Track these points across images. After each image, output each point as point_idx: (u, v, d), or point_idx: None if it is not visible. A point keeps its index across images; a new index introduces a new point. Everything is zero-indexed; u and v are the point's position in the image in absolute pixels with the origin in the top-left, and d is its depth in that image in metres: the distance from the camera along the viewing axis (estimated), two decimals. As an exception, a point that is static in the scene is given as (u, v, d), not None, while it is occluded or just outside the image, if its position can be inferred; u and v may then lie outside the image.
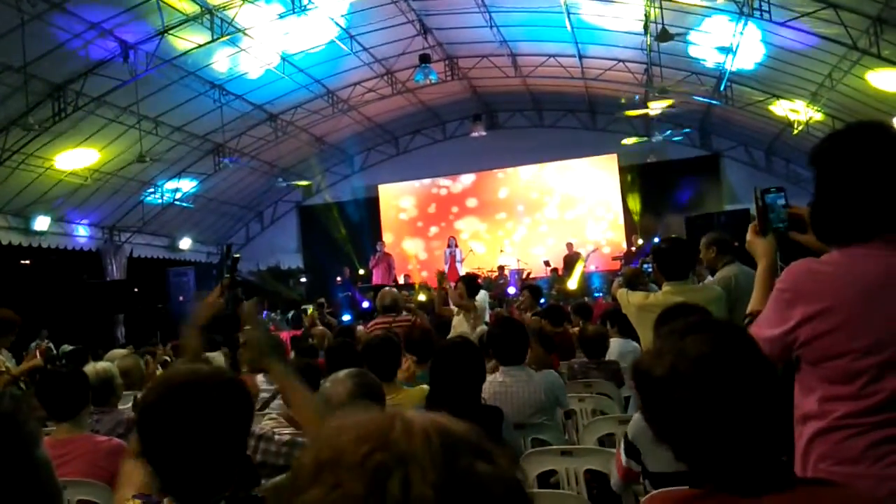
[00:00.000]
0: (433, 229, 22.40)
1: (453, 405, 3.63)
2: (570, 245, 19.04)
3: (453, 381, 3.69)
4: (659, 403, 1.48)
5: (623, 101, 17.01)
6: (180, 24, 12.79)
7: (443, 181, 22.56)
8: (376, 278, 18.61)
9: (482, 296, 8.19)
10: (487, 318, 8.04)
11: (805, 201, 2.16)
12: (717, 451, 1.43)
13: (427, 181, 22.63)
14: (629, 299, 4.54)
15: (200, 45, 13.40)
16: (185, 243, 21.22)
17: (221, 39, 13.35)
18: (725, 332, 1.51)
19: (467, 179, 22.36)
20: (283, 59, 15.47)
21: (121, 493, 2.01)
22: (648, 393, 1.50)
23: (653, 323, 3.81)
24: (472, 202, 22.30)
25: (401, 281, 19.22)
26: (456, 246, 19.26)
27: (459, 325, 7.66)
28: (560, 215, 21.47)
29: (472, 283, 8.58)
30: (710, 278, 4.79)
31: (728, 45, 14.01)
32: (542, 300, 14.53)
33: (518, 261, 19.54)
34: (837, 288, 1.94)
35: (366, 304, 16.43)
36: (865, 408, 1.88)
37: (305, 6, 12.99)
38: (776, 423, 1.46)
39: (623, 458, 3.30)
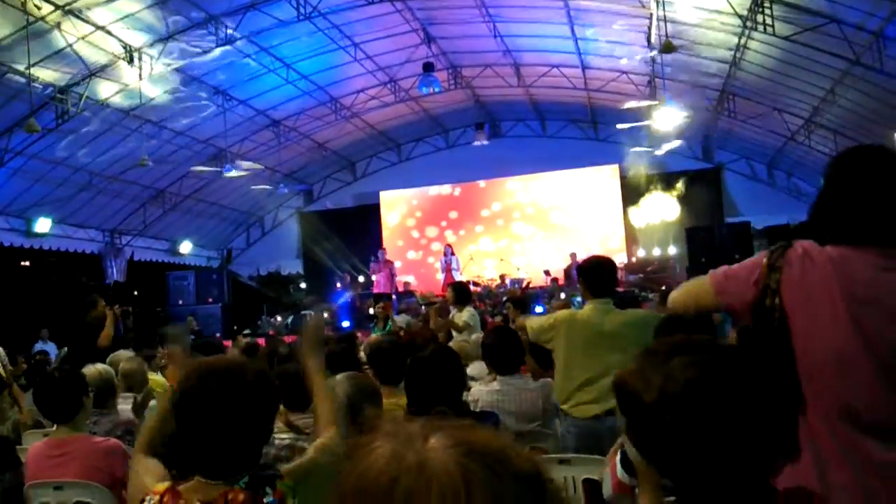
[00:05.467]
0: (434, 237, 22.37)
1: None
2: (573, 255, 19.00)
3: (430, 391, 3.58)
4: (647, 426, 1.47)
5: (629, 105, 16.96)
6: (185, 30, 12.85)
7: (444, 189, 22.57)
8: (377, 286, 18.59)
9: (469, 314, 8.14)
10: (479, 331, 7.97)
11: (806, 215, 2.20)
12: (706, 471, 1.42)
13: (429, 189, 22.63)
14: (556, 316, 4.68)
15: (205, 51, 13.44)
16: (186, 247, 21.25)
17: (226, 47, 13.41)
18: (713, 353, 1.49)
19: (469, 188, 22.36)
20: (287, 65, 15.52)
21: (143, 482, 2.10)
22: (635, 415, 1.49)
23: (585, 338, 4.34)
24: (473, 211, 22.30)
25: (401, 289, 19.22)
26: (452, 254, 19.18)
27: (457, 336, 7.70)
28: (561, 225, 21.45)
29: (459, 290, 8.58)
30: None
31: (731, 58, 14.04)
32: (543, 311, 14.51)
33: (518, 269, 19.53)
34: (818, 280, 1.96)
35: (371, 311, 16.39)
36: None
37: (311, 13, 13.04)
38: (766, 440, 1.45)
39: (619, 469, 3.28)
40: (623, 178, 20.71)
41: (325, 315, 16.58)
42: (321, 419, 2.46)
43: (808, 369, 1.92)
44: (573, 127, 21.51)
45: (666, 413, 1.41)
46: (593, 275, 4.61)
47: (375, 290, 18.06)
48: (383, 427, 0.90)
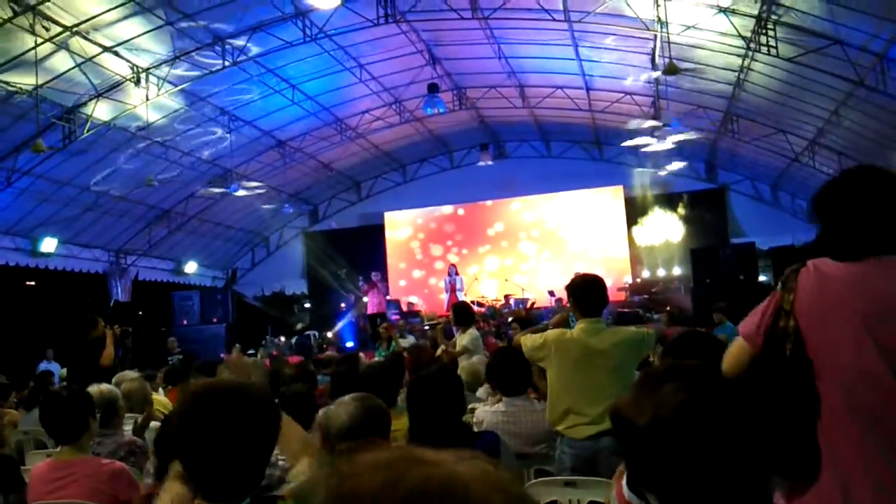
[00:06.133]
0: (438, 256, 22.37)
1: (436, 436, 3.58)
2: (578, 275, 18.92)
3: (431, 412, 3.55)
4: (641, 452, 1.47)
5: (633, 126, 16.98)
6: (192, 52, 12.92)
7: (449, 210, 22.59)
8: (371, 306, 18.62)
9: (469, 338, 8.00)
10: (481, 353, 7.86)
11: (811, 235, 2.20)
12: (701, 494, 1.42)
13: (433, 209, 22.65)
14: (547, 336, 4.58)
15: (211, 72, 13.52)
16: (191, 267, 21.26)
17: (232, 68, 13.49)
18: (704, 377, 1.51)
19: (474, 208, 22.38)
20: (293, 86, 15.60)
21: None
22: (630, 441, 1.50)
23: (576, 358, 4.28)
24: (477, 231, 22.30)
25: (405, 309, 19.21)
26: (456, 274, 19.19)
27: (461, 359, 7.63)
28: (565, 246, 21.44)
29: (460, 311, 8.45)
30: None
31: (735, 79, 14.08)
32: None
33: (522, 290, 19.50)
34: (833, 296, 1.95)
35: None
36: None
37: (317, 35, 13.12)
38: (755, 464, 1.45)
39: (625, 491, 3.25)
40: (627, 198, 20.73)
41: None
42: (291, 449, 2.42)
43: (828, 387, 1.91)
44: (577, 148, 21.56)
45: (659, 438, 1.42)
46: (583, 294, 4.58)
47: (370, 312, 18.15)
48: (381, 457, 0.88)
